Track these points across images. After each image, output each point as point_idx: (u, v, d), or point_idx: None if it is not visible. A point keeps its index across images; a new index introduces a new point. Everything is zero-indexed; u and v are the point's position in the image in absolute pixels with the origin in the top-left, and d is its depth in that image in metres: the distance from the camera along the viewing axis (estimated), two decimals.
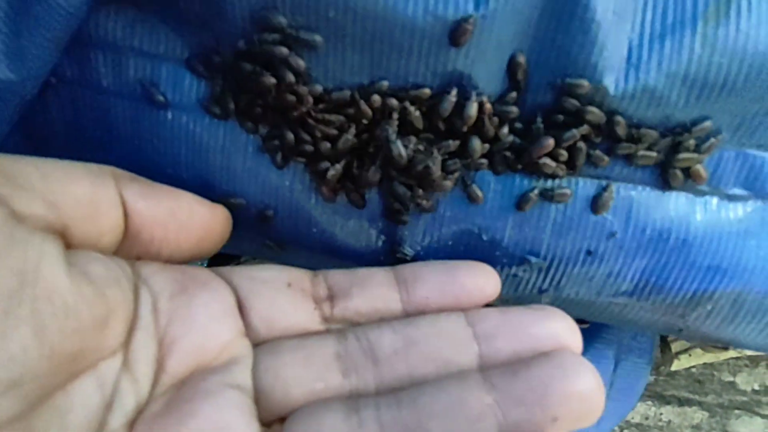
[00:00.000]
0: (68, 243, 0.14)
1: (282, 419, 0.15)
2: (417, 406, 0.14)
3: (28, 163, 0.14)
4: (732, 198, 0.18)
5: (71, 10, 0.15)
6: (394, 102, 0.16)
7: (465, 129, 0.16)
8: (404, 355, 0.15)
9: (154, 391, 0.14)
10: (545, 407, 0.13)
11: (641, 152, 0.17)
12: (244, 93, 0.17)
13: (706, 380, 0.38)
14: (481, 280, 0.17)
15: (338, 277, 0.17)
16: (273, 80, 0.16)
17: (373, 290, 0.17)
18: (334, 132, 0.17)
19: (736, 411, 0.38)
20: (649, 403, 0.40)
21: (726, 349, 0.33)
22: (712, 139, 0.16)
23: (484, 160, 0.17)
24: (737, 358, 0.38)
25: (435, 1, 0.14)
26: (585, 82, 0.15)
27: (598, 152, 0.17)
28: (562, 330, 0.15)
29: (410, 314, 0.17)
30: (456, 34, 0.14)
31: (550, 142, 0.16)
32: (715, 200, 0.18)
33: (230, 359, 0.15)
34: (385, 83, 0.16)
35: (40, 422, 0.12)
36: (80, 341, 0.12)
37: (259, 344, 0.16)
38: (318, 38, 0.15)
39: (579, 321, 0.26)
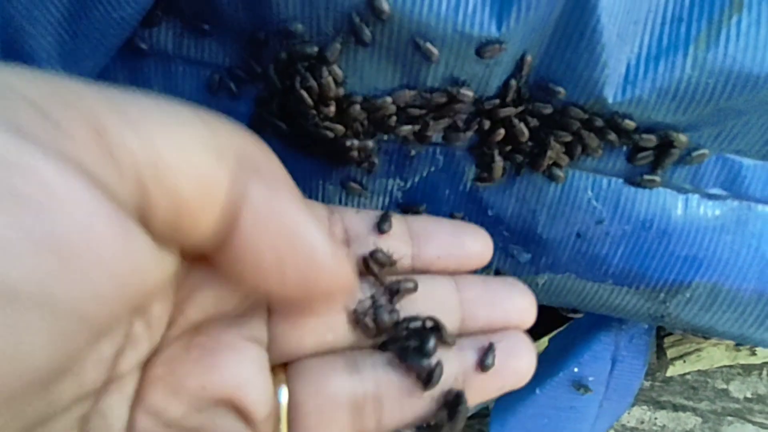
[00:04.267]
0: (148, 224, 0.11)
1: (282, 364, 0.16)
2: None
3: (127, 101, 0.11)
4: (711, 197, 0.20)
5: (126, 16, 0.17)
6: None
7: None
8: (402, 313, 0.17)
9: (169, 333, 0.14)
10: (496, 379, 0.17)
11: (641, 154, 0.19)
12: (282, 98, 0.19)
13: (700, 387, 0.40)
14: (483, 247, 0.19)
15: (355, 220, 0.18)
16: (315, 86, 0.18)
17: (388, 242, 0.18)
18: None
19: (729, 417, 0.39)
20: (645, 407, 0.41)
21: (707, 338, 0.35)
22: (703, 150, 0.19)
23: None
24: (730, 367, 0.39)
25: (462, 20, 0.16)
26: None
27: (592, 146, 0.19)
28: (526, 306, 0.18)
29: (417, 270, 0.18)
30: (482, 50, 0.17)
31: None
32: (695, 198, 0.20)
33: (247, 309, 0.15)
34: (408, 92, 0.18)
35: (58, 391, 0.11)
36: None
37: None
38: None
39: (573, 311, 0.29)
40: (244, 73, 0.19)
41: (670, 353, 0.37)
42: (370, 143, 0.20)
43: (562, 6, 0.16)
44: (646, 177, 0.19)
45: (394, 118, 0.19)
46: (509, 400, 0.30)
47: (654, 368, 0.39)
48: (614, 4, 0.16)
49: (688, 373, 0.39)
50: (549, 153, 0.19)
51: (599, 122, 0.18)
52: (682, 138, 0.18)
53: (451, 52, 0.17)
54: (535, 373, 0.31)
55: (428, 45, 0.17)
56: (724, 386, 0.39)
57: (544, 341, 0.34)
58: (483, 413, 0.40)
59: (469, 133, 0.19)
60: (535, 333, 0.35)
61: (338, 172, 0.20)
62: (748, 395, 0.39)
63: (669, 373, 0.37)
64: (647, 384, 0.40)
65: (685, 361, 0.37)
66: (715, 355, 0.38)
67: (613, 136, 0.18)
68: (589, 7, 0.16)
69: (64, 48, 0.17)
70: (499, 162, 0.19)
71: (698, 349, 0.37)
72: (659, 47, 0.17)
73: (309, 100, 0.18)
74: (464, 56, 0.17)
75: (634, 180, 0.20)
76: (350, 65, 0.18)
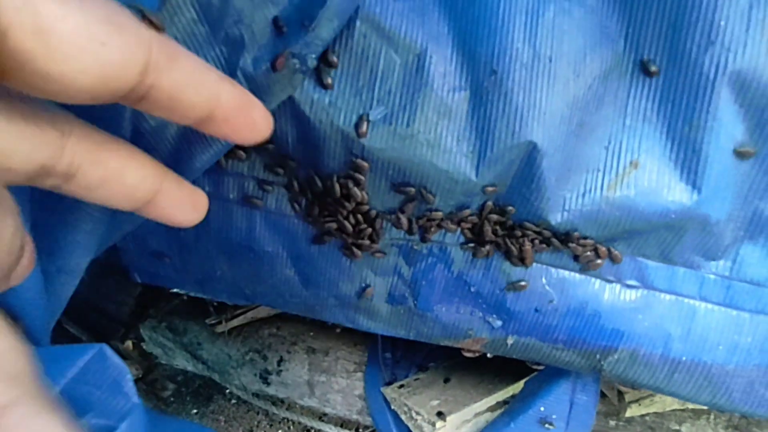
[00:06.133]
0: None
1: None
2: None
3: None
4: (629, 286, 0.27)
5: (218, 154, 0.25)
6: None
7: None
8: None
9: None
10: None
11: (587, 254, 0.27)
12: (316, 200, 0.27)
13: (657, 428, 0.46)
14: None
15: None
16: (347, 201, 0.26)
17: None
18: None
19: None
20: None
21: (635, 389, 0.42)
22: (617, 253, 0.27)
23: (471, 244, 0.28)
24: (682, 410, 0.46)
25: (453, 170, 0.24)
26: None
27: (541, 246, 0.27)
28: None
29: None
30: (485, 189, 0.25)
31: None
32: (618, 286, 0.27)
33: None
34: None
35: None
36: None
37: None
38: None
39: (536, 363, 0.36)
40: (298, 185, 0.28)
41: (628, 397, 0.44)
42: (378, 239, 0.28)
43: (518, 162, 0.25)
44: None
45: (406, 224, 0.27)
46: None
47: (617, 409, 0.45)
48: (553, 160, 0.24)
49: (647, 415, 0.46)
50: (526, 252, 0.27)
51: (547, 233, 0.26)
52: (603, 248, 0.26)
53: (444, 190, 0.25)
54: (510, 410, 0.38)
55: (429, 195, 0.25)
56: (677, 427, 0.46)
57: (521, 384, 0.41)
58: None
59: (459, 236, 0.27)
60: (513, 377, 0.42)
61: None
62: None
63: (628, 414, 0.44)
64: (612, 423, 0.47)
65: (640, 404, 0.44)
66: (666, 400, 0.44)
67: (556, 243, 0.26)
68: (536, 164, 0.24)
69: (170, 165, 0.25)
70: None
71: (651, 394, 0.44)
72: (585, 188, 0.25)
73: (348, 206, 0.26)
74: (452, 191, 0.25)
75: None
76: (370, 191, 0.26)
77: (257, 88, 0.23)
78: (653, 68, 0.23)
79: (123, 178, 0.16)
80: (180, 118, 0.15)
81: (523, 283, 0.27)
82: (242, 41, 0.23)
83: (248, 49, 0.23)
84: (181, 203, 0.18)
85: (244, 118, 0.17)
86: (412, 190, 0.25)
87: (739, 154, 0.24)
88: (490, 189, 0.25)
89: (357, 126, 0.24)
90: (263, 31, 0.23)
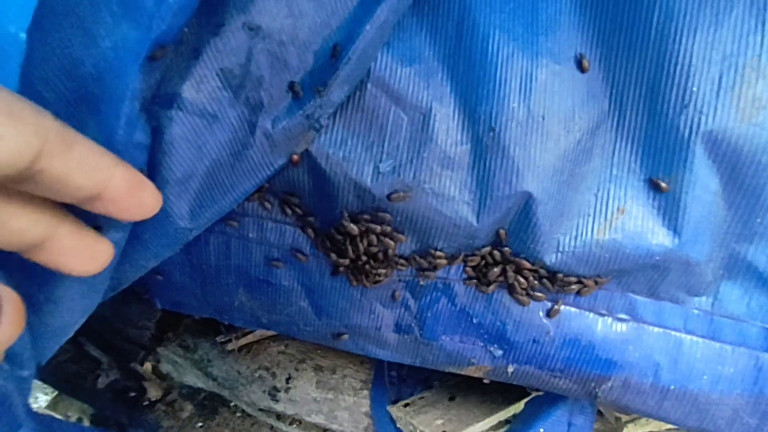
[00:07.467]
0: None
1: None
2: None
3: None
4: (620, 319, 0.30)
5: (238, 200, 0.27)
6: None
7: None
8: None
9: None
10: None
11: (582, 289, 0.29)
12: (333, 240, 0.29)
13: None
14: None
15: None
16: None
17: None
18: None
19: None
20: None
21: (627, 414, 0.44)
22: (604, 280, 0.29)
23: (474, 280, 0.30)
24: (678, 430, 0.48)
25: (456, 217, 0.27)
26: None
27: (538, 284, 0.29)
28: None
29: None
30: (498, 233, 0.27)
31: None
32: (609, 319, 0.30)
33: None
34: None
35: None
36: None
37: None
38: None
39: (535, 389, 0.38)
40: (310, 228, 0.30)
41: (625, 417, 0.45)
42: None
43: (515, 209, 0.27)
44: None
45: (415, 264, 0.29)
46: None
47: (614, 428, 0.47)
48: (547, 207, 0.27)
49: None
50: (520, 289, 0.29)
51: (543, 272, 0.28)
52: (591, 282, 0.28)
53: (448, 234, 0.27)
54: (511, 431, 0.40)
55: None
56: None
57: (522, 404, 0.43)
58: None
59: (461, 272, 0.30)
60: (515, 396, 0.44)
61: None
62: None
63: None
64: None
65: (636, 424, 0.46)
66: None
67: (548, 284, 0.29)
68: (531, 211, 0.27)
69: (192, 214, 0.27)
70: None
71: None
72: (577, 232, 0.27)
73: (360, 246, 0.29)
74: (455, 235, 0.28)
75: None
76: None
77: (274, 144, 0.26)
78: (585, 63, 0.26)
79: (9, 223, 0.16)
80: (63, 198, 0.16)
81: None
82: (261, 104, 0.25)
83: (267, 110, 0.25)
84: (76, 251, 0.18)
85: (133, 199, 0.18)
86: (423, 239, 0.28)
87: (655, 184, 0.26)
88: (502, 232, 0.28)
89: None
90: (281, 95, 0.25)
